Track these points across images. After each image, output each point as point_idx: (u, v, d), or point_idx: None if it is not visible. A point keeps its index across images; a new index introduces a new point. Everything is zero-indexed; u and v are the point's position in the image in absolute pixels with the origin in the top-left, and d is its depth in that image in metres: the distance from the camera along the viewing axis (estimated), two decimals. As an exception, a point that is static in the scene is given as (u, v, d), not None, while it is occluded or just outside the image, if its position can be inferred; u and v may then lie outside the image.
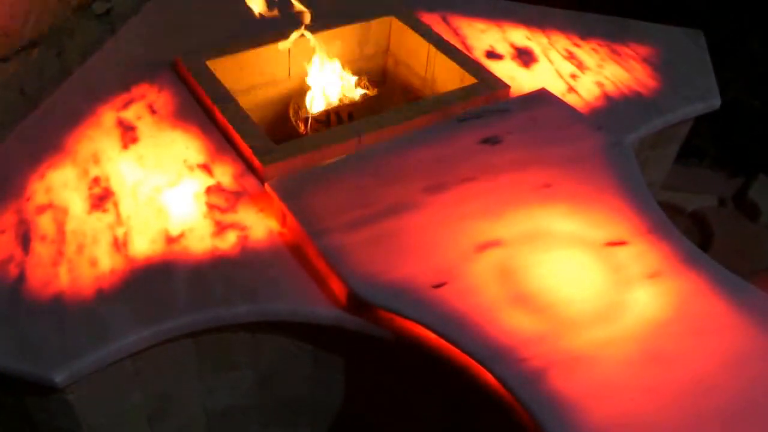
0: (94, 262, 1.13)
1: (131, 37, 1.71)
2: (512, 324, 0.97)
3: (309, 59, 1.60)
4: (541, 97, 1.45)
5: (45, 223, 1.19)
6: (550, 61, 1.71)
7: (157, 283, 1.11)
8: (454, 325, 0.97)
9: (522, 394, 0.88)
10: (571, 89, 1.61)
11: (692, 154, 2.20)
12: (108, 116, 1.45)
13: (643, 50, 1.77)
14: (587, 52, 1.75)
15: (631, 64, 1.71)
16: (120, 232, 1.19)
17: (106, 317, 1.04)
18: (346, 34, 1.72)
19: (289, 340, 1.20)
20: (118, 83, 1.54)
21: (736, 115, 2.11)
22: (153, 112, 1.47)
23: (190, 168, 1.33)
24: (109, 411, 1.15)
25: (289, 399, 1.34)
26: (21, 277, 1.09)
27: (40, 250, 1.14)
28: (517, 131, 1.34)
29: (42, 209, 1.22)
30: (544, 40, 1.80)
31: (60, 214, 1.22)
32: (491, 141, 1.32)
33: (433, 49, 1.67)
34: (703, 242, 1.98)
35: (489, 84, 1.54)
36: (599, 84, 1.64)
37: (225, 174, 1.33)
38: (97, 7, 1.95)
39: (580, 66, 1.70)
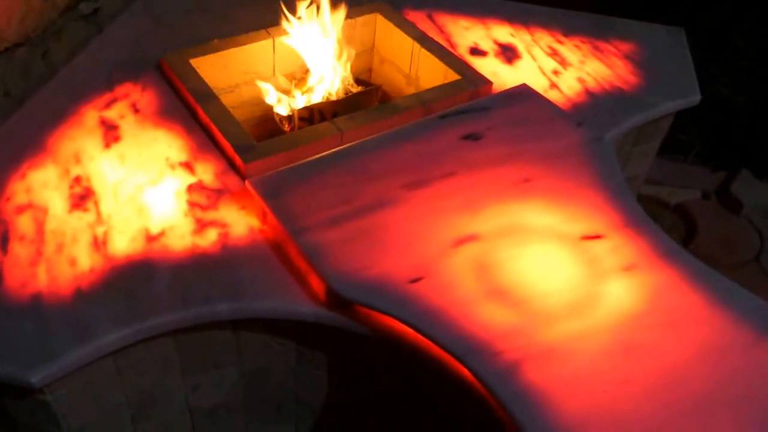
0: (73, 262, 1.13)
1: (117, 37, 1.71)
2: (488, 318, 0.98)
3: (293, 57, 1.60)
4: (522, 93, 1.46)
5: (24, 223, 1.20)
6: (533, 57, 1.72)
7: (137, 281, 1.11)
8: (429, 320, 0.98)
9: (496, 387, 0.89)
10: (553, 85, 1.62)
11: (678, 150, 2.21)
12: (90, 116, 1.45)
13: (625, 47, 1.78)
14: (570, 49, 1.76)
15: (612, 61, 1.72)
16: (100, 231, 1.19)
17: (85, 317, 1.05)
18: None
19: (271, 337, 1.21)
20: (102, 83, 1.55)
21: (721, 110, 2.12)
22: (136, 111, 1.47)
23: (172, 166, 1.34)
24: (92, 411, 1.16)
25: (273, 396, 1.34)
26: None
27: (19, 250, 1.15)
28: (497, 127, 1.35)
29: (21, 209, 1.22)
30: (527, 37, 1.80)
31: (40, 213, 1.22)
32: (472, 137, 1.32)
33: (417, 46, 1.68)
34: (687, 235, 1.99)
35: (471, 80, 1.54)
36: (581, 80, 1.64)
37: (207, 172, 1.33)
38: (84, 7, 1.95)
39: (563, 62, 1.70)
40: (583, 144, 1.31)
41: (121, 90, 1.53)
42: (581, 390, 0.90)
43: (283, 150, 1.33)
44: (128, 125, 1.44)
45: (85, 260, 1.14)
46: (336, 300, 1.04)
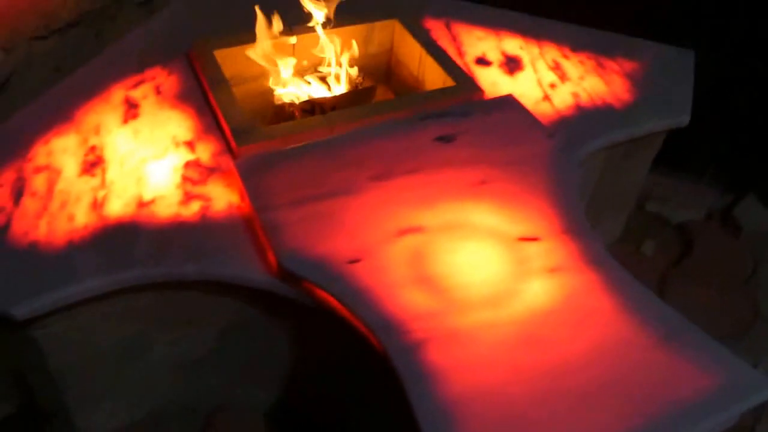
0: (71, 218, 1.31)
1: (159, 24, 1.89)
2: (408, 300, 1.08)
3: (313, 53, 1.73)
4: (506, 102, 1.53)
5: (38, 182, 1.38)
6: (535, 70, 1.79)
7: (122, 239, 1.27)
8: (356, 297, 1.09)
9: (398, 361, 0.99)
10: (546, 98, 1.68)
11: (693, 170, 2.22)
12: (117, 94, 1.64)
13: (630, 65, 1.82)
14: (573, 64, 1.82)
15: (612, 78, 1.76)
16: (101, 194, 1.37)
17: (72, 264, 1.21)
18: (352, 33, 1.82)
19: (243, 303, 1.34)
20: (135, 65, 1.73)
21: (739, 131, 2.11)
22: (158, 92, 1.65)
23: (177, 144, 1.50)
24: (75, 353, 1.33)
25: (246, 358, 1.48)
26: (6, 226, 1.28)
27: (28, 204, 1.33)
28: (470, 131, 1.43)
29: (39, 170, 1.41)
30: (536, 50, 1.87)
31: (54, 175, 1.40)
32: (445, 139, 1.42)
33: (424, 52, 1.78)
34: (682, 254, 2.00)
35: (463, 87, 1.63)
36: (575, 94, 1.70)
37: (205, 151, 1.48)
38: (137, -7, 2.15)
39: (563, 77, 1.76)
40: (547, 153, 1.38)
41: (149, 73, 1.71)
42: (476, 372, 0.99)
43: (276, 137, 1.47)
44: (148, 105, 1.61)
45: (81, 218, 1.31)
46: (283, 272, 1.17)
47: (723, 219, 2.06)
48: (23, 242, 1.25)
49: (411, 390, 0.95)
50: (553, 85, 1.73)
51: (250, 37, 1.72)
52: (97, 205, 1.34)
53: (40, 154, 1.45)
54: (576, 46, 1.89)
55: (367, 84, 1.77)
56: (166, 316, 1.38)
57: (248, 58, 1.75)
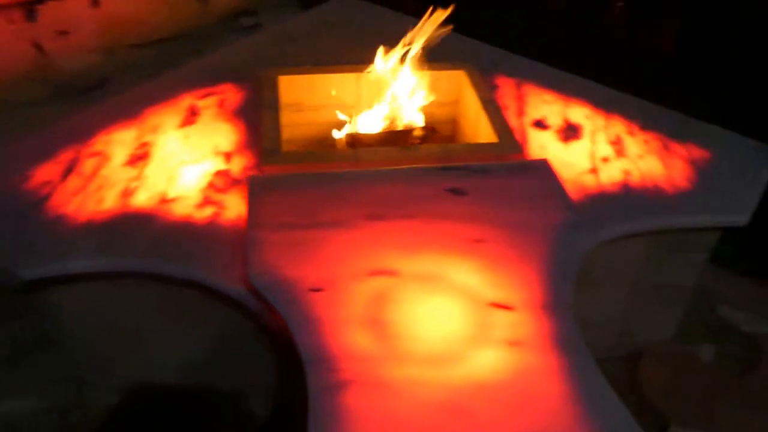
0: (100, 201, 1.43)
1: (250, 46, 2.04)
2: (351, 340, 1.06)
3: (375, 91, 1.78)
4: (536, 166, 1.48)
5: (88, 165, 1.53)
6: (593, 141, 1.71)
7: (133, 227, 1.37)
8: (303, 325, 1.09)
9: (314, 397, 0.97)
10: (593, 170, 1.61)
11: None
12: (185, 101, 1.78)
13: (699, 153, 1.69)
14: (637, 142, 1.72)
15: (673, 162, 1.65)
16: (133, 185, 1.48)
17: (84, 241, 1.33)
18: (419, 79, 1.85)
19: (229, 308, 1.39)
20: (211, 79, 1.87)
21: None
22: (220, 105, 1.77)
23: (216, 153, 1.60)
24: (81, 327, 1.44)
25: (237, 365, 1.52)
26: (46, 196, 1.43)
27: (72, 182, 1.48)
28: (486, 189, 1.40)
29: (93, 155, 1.56)
30: (601, 122, 1.79)
31: (103, 161, 1.55)
32: (457, 192, 1.39)
33: (480, 106, 1.77)
34: (745, 368, 1.79)
35: (504, 145, 1.60)
36: (626, 172, 1.61)
37: (238, 164, 1.57)
38: (245, 21, 2.35)
39: (620, 152, 1.68)
40: (556, 224, 1.31)
41: (220, 88, 1.84)
42: (387, 427, 0.95)
43: (301, 162, 1.52)
44: (207, 115, 1.73)
45: (109, 202, 1.43)
46: (251, 287, 1.20)
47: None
48: (53, 214, 1.38)
49: (312, 428, 0.93)
50: (605, 159, 1.64)
51: (319, 70, 1.81)
52: (126, 193, 1.46)
53: (99, 142, 1.61)
54: (647, 124, 1.79)
55: (419, 131, 1.78)
56: (163, 310, 1.46)
57: (311, 87, 1.84)
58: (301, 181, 1.42)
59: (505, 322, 1.11)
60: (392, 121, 1.80)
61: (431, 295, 1.16)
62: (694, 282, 1.72)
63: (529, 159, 1.55)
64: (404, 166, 1.50)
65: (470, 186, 1.41)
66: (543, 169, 1.49)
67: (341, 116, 1.77)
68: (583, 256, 1.26)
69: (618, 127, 1.78)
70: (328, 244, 1.25)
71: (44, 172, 1.51)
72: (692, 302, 2.00)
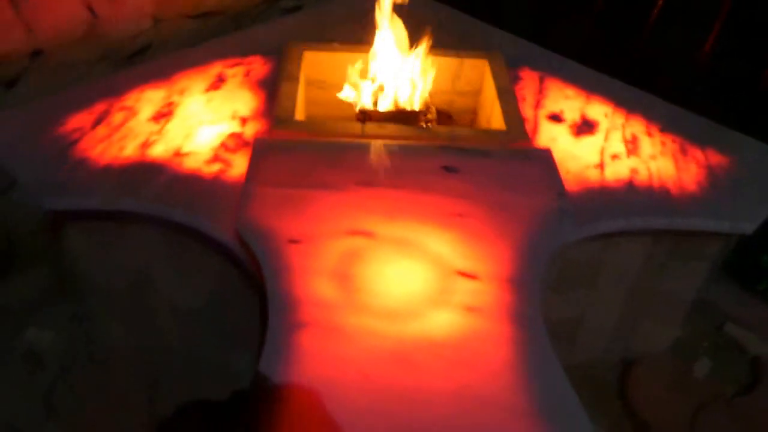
0: (121, 149, 1.54)
1: (286, 25, 2.12)
2: (316, 288, 1.12)
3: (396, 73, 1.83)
4: (536, 154, 1.50)
5: (117, 117, 1.65)
6: (606, 138, 1.71)
7: (146, 174, 1.47)
8: (276, 271, 1.15)
9: (274, 336, 1.03)
10: (600, 166, 1.60)
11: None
12: (215, 69, 1.88)
13: (716, 158, 1.66)
14: (653, 143, 1.70)
15: (688, 166, 1.62)
16: (153, 138, 1.59)
17: (101, 183, 1.44)
18: (442, 64, 1.88)
19: (228, 263, 1.47)
20: (242, 51, 1.96)
21: None
22: (246, 75, 1.86)
23: (233, 117, 1.69)
24: (98, 264, 1.55)
25: (235, 322, 1.60)
26: (75, 141, 1.55)
27: (100, 131, 1.59)
28: (480, 170, 1.42)
29: (122, 108, 1.68)
30: (620, 120, 1.78)
31: (130, 115, 1.66)
32: (451, 169, 1.43)
33: (495, 95, 1.80)
34: (741, 390, 1.74)
35: (511, 133, 1.62)
36: (634, 170, 1.60)
37: (252, 128, 1.65)
38: (286, 2, 2.43)
39: (632, 151, 1.67)
40: (541, 209, 1.32)
41: (249, 59, 1.93)
42: (335, 367, 0.99)
43: (308, 130, 1.59)
44: (232, 82, 1.83)
45: (128, 151, 1.54)
46: (238, 235, 1.27)
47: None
48: (79, 156, 1.50)
49: (268, 368, 0.98)
50: (615, 156, 1.64)
51: (343, 48, 1.86)
52: (145, 145, 1.56)
53: (130, 98, 1.72)
54: (668, 126, 1.77)
55: (431, 114, 1.82)
56: (169, 255, 1.55)
57: (335, 65, 1.90)
58: (303, 147, 1.49)
59: (466, 290, 1.13)
60: (405, 102, 1.84)
61: (402, 257, 1.20)
62: (694, 296, 1.69)
63: (528, 147, 1.56)
64: (405, 142, 1.54)
65: (466, 166, 1.44)
66: (543, 157, 1.50)
67: (348, 92, 1.80)
68: (565, 244, 1.27)
69: (636, 127, 1.76)
70: (315, 203, 1.31)
71: (77, 120, 1.63)
72: (700, 317, 1.96)
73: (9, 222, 2.01)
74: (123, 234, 1.53)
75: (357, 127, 1.62)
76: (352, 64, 1.83)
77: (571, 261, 1.55)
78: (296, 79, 1.77)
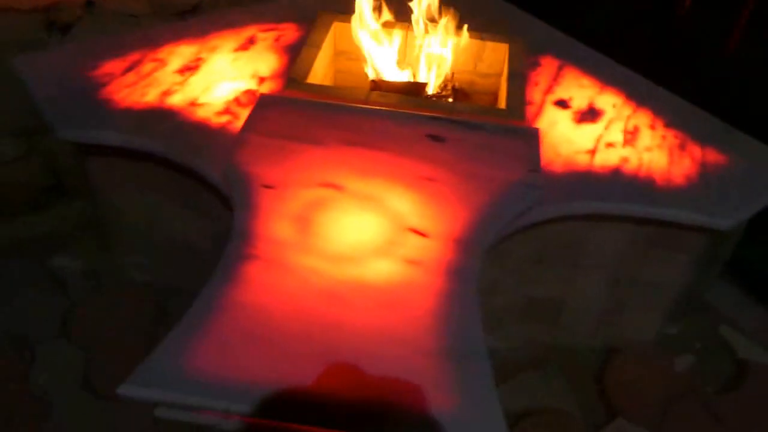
0: (143, 95, 1.70)
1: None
2: (276, 227, 1.23)
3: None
4: (524, 132, 1.54)
5: (147, 67, 1.81)
6: (606, 127, 1.73)
7: (159, 118, 1.62)
8: (244, 209, 1.27)
9: (223, 264, 1.15)
10: (590, 152, 1.63)
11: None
12: (249, 31, 2.00)
13: (715, 156, 1.65)
14: (654, 136, 1.71)
15: (682, 161, 1.63)
16: (174, 88, 1.74)
17: (120, 121, 1.60)
18: (464, 45, 1.93)
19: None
20: (277, 18, 2.08)
21: None
22: (276, 40, 1.98)
23: (253, 77, 1.81)
24: (115, 193, 1.72)
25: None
26: (104, 84, 1.72)
27: (129, 77, 1.76)
28: (465, 142, 1.49)
29: (155, 60, 1.84)
30: (627, 112, 1.80)
31: (160, 66, 1.82)
32: (435, 138, 1.50)
33: (505, 78, 1.85)
34: (722, 390, 1.74)
35: (509, 112, 1.67)
36: (624, 159, 1.62)
37: (267, 87, 1.77)
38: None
39: (628, 141, 1.68)
40: (509, 181, 1.37)
41: (283, 25, 2.05)
42: (269, 294, 1.10)
43: (315, 92, 1.70)
44: (261, 46, 1.95)
45: (149, 97, 1.69)
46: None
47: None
48: (104, 97, 1.67)
49: (211, 281, 1.11)
50: (610, 144, 1.66)
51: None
52: (166, 93, 1.71)
53: (164, 51, 1.88)
54: (674, 122, 1.76)
55: (445, 90, 1.89)
56: (176, 194, 1.70)
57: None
58: (303, 105, 1.60)
59: (413, 245, 1.21)
60: (424, 77, 1.91)
61: (362, 211, 1.29)
62: (681, 291, 1.69)
63: (519, 125, 1.60)
64: (402, 110, 1.62)
65: (452, 136, 1.51)
66: (530, 135, 1.54)
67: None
68: (527, 218, 1.32)
69: (642, 119, 1.77)
70: (296, 155, 1.42)
71: (110, 66, 1.80)
72: (700, 318, 1.95)
73: (57, 158, 2.23)
74: (137, 172, 1.69)
75: (362, 93, 1.71)
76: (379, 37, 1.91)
77: (553, 239, 1.59)
78: (317, 47, 1.88)
